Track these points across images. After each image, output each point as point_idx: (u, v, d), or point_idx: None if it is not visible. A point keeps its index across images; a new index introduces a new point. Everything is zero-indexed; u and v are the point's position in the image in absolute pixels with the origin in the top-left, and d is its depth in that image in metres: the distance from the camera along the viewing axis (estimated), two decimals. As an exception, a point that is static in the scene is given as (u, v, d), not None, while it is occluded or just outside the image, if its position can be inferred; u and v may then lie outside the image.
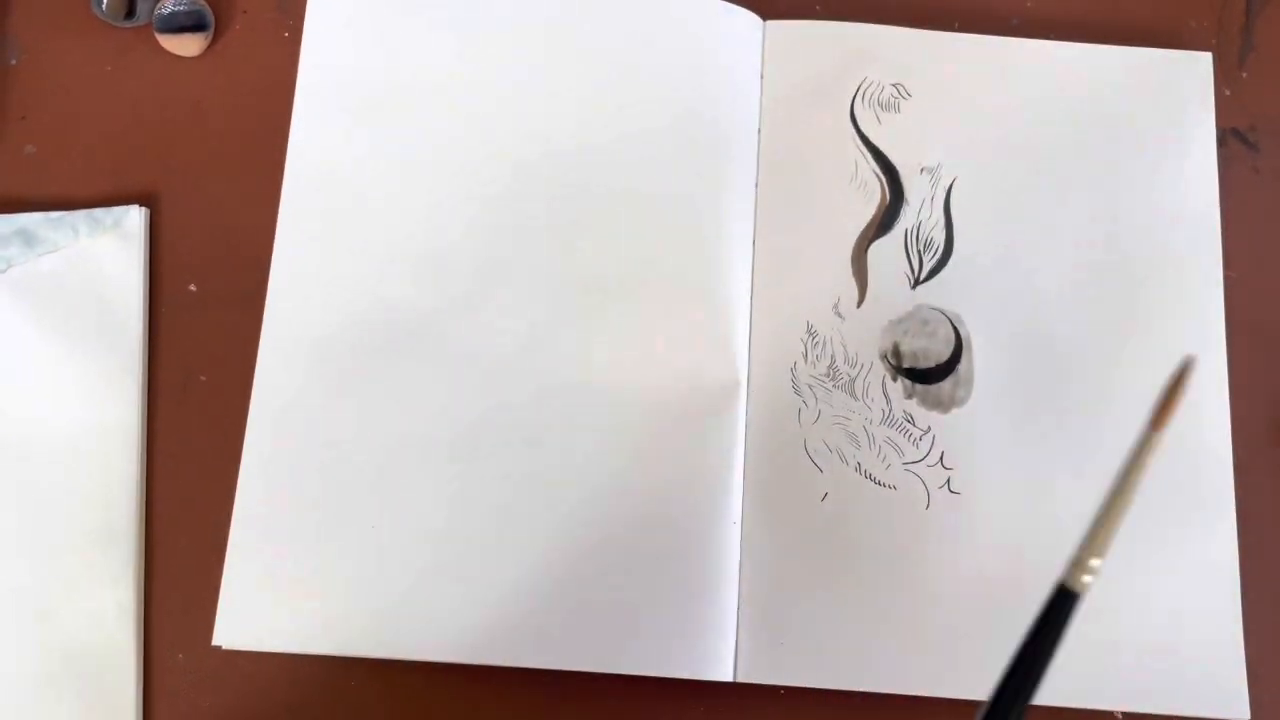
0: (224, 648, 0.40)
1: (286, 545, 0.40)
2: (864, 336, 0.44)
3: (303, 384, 0.42)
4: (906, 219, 0.45)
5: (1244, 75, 0.49)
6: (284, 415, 0.42)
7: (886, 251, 0.45)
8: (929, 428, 0.43)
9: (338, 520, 0.41)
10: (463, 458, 0.41)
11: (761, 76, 0.46)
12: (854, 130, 0.46)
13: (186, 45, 0.46)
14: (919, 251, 0.45)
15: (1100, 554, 0.24)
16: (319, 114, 0.45)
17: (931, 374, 0.44)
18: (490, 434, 0.42)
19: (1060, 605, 0.25)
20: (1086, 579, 0.24)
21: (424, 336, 0.43)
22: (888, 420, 0.43)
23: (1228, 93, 0.48)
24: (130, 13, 0.46)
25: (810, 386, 0.43)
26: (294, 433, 0.41)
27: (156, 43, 0.46)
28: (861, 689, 0.40)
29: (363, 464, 0.41)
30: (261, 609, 0.40)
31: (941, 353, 0.44)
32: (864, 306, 0.44)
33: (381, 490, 0.41)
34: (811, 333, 0.44)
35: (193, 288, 0.44)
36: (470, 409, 0.42)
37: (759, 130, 0.46)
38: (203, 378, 0.43)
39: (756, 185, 0.45)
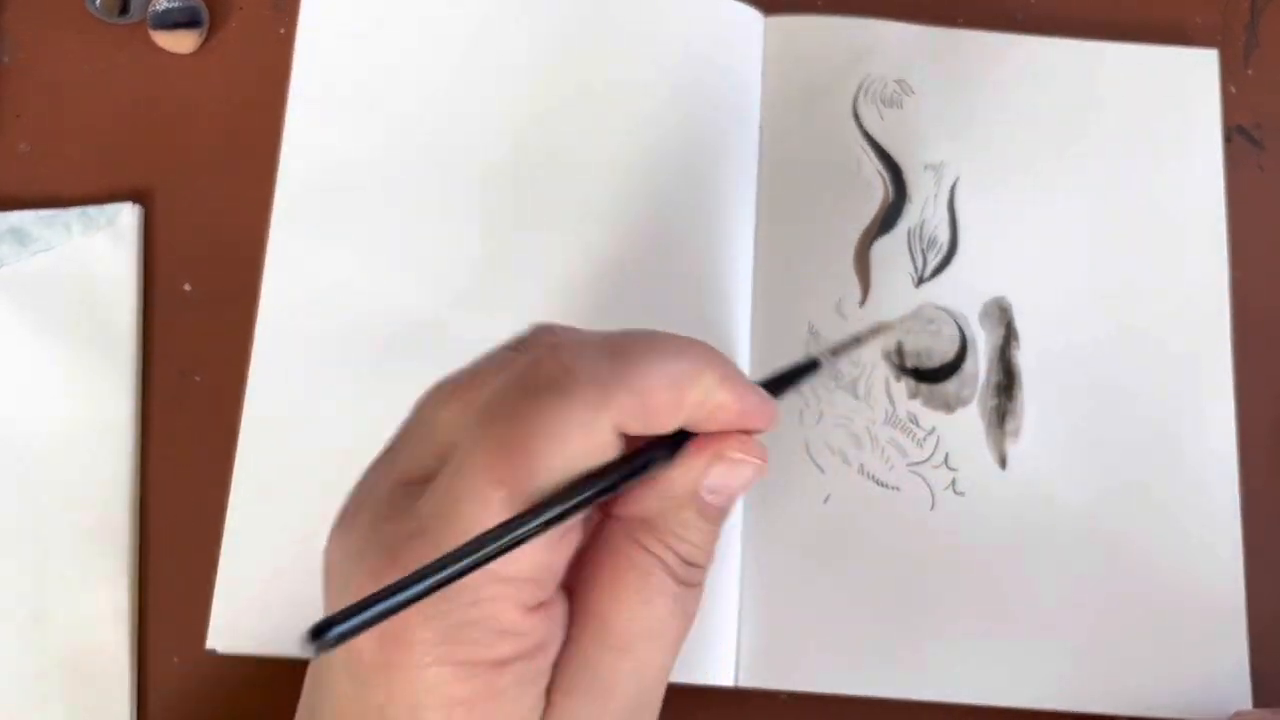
0: (218, 651, 0.39)
1: (281, 548, 0.40)
2: (867, 336, 0.43)
3: (297, 384, 0.41)
4: (910, 217, 0.45)
5: (1249, 72, 0.48)
6: (279, 416, 0.41)
7: (889, 250, 0.44)
8: (933, 428, 0.43)
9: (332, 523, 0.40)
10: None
11: (763, 72, 0.46)
12: (856, 127, 0.45)
13: (180, 42, 0.45)
14: (922, 250, 0.44)
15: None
16: (313, 111, 0.44)
17: (936, 374, 0.43)
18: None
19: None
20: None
21: (421, 335, 0.42)
22: (891, 421, 0.43)
23: (1233, 90, 0.48)
24: (124, 9, 0.45)
25: (812, 386, 0.43)
26: (289, 434, 0.41)
27: (150, 39, 0.45)
28: (866, 694, 0.40)
29: (358, 466, 0.41)
30: (256, 612, 0.39)
31: (946, 352, 0.43)
32: (867, 305, 0.44)
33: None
34: (814, 332, 0.43)
35: (187, 287, 0.44)
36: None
37: (760, 127, 0.45)
38: (197, 377, 0.43)
39: (757, 182, 0.45)
